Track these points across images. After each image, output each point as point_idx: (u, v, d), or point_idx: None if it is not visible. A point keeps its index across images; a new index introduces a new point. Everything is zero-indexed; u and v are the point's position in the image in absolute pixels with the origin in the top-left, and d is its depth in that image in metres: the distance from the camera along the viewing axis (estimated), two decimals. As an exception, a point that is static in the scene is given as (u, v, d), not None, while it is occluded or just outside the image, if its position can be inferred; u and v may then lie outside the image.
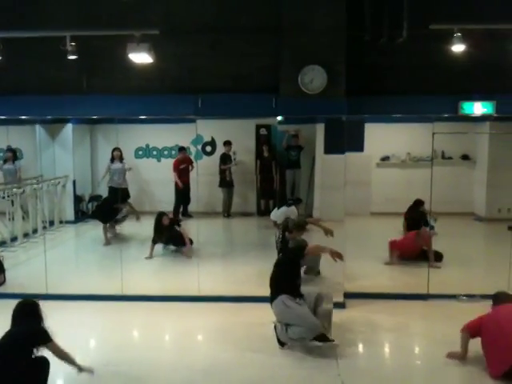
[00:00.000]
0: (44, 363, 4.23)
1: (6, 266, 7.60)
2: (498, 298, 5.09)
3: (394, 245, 8.35)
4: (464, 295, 6.73)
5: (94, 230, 10.32)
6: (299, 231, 6.32)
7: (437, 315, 6.30)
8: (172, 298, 6.72)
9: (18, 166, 10.76)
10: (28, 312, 4.33)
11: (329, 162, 9.02)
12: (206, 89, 9.35)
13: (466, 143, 12.24)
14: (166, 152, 12.90)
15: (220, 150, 12.43)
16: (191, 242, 9.04)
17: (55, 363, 4.34)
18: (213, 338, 5.79)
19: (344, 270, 6.78)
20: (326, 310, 5.34)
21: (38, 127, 11.11)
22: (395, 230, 9.85)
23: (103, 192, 11.86)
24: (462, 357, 5.00)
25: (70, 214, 11.61)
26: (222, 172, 12.17)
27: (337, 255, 5.54)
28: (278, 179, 11.59)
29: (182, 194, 11.80)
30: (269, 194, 12.15)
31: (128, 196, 11.26)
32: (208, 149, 12.79)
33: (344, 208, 7.15)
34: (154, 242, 8.79)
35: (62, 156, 11.47)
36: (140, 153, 12.93)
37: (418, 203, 9.44)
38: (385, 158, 12.58)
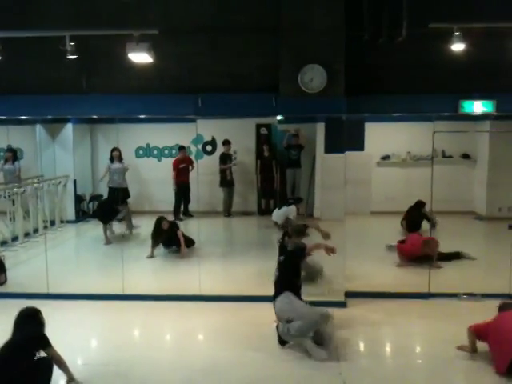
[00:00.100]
0: (47, 365, 4.26)
1: (7, 265, 7.61)
2: (504, 306, 5.14)
3: (401, 249, 8.33)
4: (465, 294, 6.73)
5: (95, 229, 10.33)
6: (298, 236, 6.35)
7: (438, 314, 6.30)
8: (173, 298, 6.73)
9: (17, 166, 10.78)
10: (29, 319, 4.40)
11: (329, 161, 9.04)
12: (206, 88, 9.36)
13: (466, 142, 12.23)
14: (166, 151, 12.90)
15: (220, 149, 12.43)
16: (193, 242, 9.06)
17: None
18: (213, 337, 5.80)
19: (345, 270, 6.79)
20: (327, 333, 5.36)
21: (38, 127, 11.11)
22: (395, 229, 9.87)
23: (104, 191, 11.90)
24: (470, 351, 5.10)
25: (70, 213, 11.62)
26: (222, 172, 12.17)
27: (330, 250, 5.74)
28: (278, 178, 11.60)
29: (182, 194, 11.81)
30: (269, 194, 12.14)
31: (128, 196, 11.28)
32: (208, 148, 12.79)
33: (344, 207, 7.15)
34: (154, 245, 8.84)
35: (63, 156, 11.47)
36: (140, 152, 12.93)
37: (420, 204, 9.42)
38: (385, 157, 12.58)
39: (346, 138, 7.81)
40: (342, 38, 8.86)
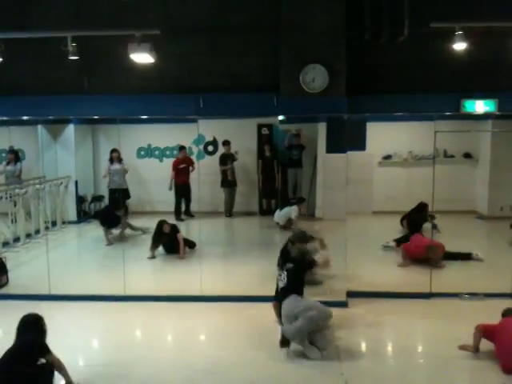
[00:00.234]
0: (48, 371, 4.28)
1: (8, 266, 7.62)
2: (508, 312, 5.14)
3: (405, 249, 8.31)
4: (467, 294, 6.71)
5: (96, 230, 10.33)
6: (301, 243, 6.36)
7: (440, 314, 6.29)
8: (174, 298, 6.72)
9: (18, 166, 10.80)
10: (31, 326, 4.42)
11: (330, 161, 9.02)
12: (207, 88, 9.34)
13: (468, 141, 12.22)
14: (168, 152, 12.90)
15: (222, 149, 12.43)
16: (194, 244, 9.08)
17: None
18: (214, 337, 5.80)
19: (346, 269, 6.79)
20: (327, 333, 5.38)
21: (39, 128, 11.12)
22: (397, 229, 9.85)
23: (105, 192, 11.91)
24: (472, 351, 5.09)
25: (72, 214, 11.63)
26: (223, 172, 12.17)
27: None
28: (279, 179, 11.59)
29: (182, 194, 11.80)
30: (271, 194, 12.13)
31: (128, 197, 11.31)
32: (210, 148, 12.79)
33: (346, 207, 7.14)
34: (154, 248, 8.86)
35: (64, 156, 11.49)
36: (142, 153, 12.94)
37: (422, 207, 9.34)
38: (387, 157, 12.56)
39: (348, 138, 7.81)
40: (343, 38, 8.84)
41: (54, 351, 4.33)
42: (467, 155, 12.44)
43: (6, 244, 9.30)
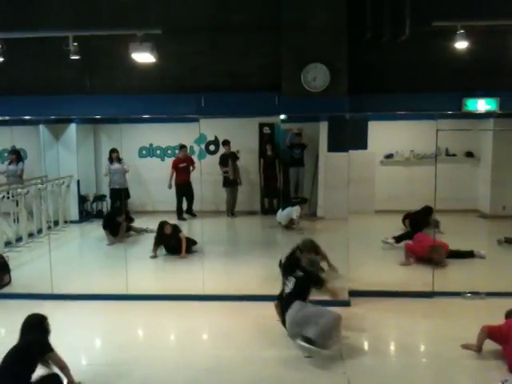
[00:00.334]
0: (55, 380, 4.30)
1: (11, 266, 7.64)
2: (510, 314, 5.14)
3: (409, 248, 8.30)
4: (469, 293, 6.71)
5: (99, 229, 10.33)
6: (309, 251, 6.38)
7: (442, 313, 6.28)
8: (176, 297, 6.72)
9: (20, 166, 10.82)
10: (35, 326, 4.44)
11: (332, 160, 8.99)
12: (208, 88, 9.34)
13: (469, 140, 12.20)
14: (169, 151, 12.90)
15: (223, 149, 12.42)
16: (195, 242, 9.07)
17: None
18: (216, 336, 5.80)
19: (348, 269, 6.78)
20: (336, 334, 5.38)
21: (41, 127, 11.15)
22: (399, 227, 9.84)
23: (106, 192, 11.92)
24: (475, 350, 5.09)
25: (74, 213, 11.65)
26: (224, 172, 12.16)
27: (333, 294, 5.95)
28: (281, 178, 11.58)
29: (183, 193, 11.80)
30: (272, 193, 12.13)
31: (128, 196, 11.32)
32: (211, 148, 12.79)
33: (348, 206, 7.13)
34: (156, 247, 8.86)
35: (66, 156, 11.49)
36: (144, 152, 12.95)
37: (427, 210, 9.13)
38: (388, 156, 12.55)
39: (349, 137, 7.78)
40: (345, 37, 8.83)
41: (56, 350, 4.34)
42: (469, 154, 12.42)
43: (8, 244, 9.31)
